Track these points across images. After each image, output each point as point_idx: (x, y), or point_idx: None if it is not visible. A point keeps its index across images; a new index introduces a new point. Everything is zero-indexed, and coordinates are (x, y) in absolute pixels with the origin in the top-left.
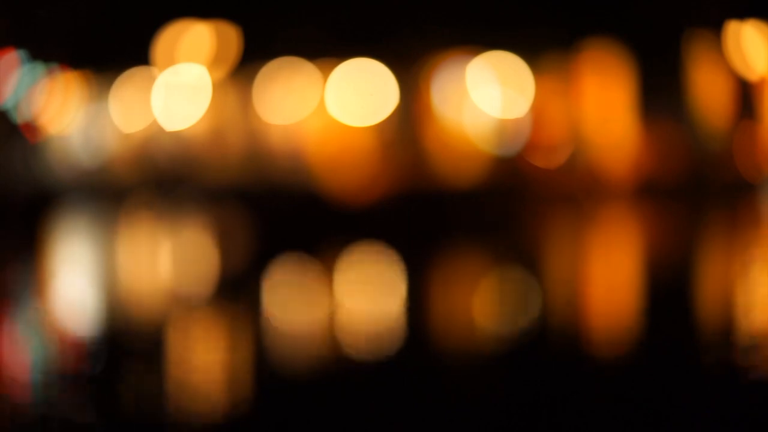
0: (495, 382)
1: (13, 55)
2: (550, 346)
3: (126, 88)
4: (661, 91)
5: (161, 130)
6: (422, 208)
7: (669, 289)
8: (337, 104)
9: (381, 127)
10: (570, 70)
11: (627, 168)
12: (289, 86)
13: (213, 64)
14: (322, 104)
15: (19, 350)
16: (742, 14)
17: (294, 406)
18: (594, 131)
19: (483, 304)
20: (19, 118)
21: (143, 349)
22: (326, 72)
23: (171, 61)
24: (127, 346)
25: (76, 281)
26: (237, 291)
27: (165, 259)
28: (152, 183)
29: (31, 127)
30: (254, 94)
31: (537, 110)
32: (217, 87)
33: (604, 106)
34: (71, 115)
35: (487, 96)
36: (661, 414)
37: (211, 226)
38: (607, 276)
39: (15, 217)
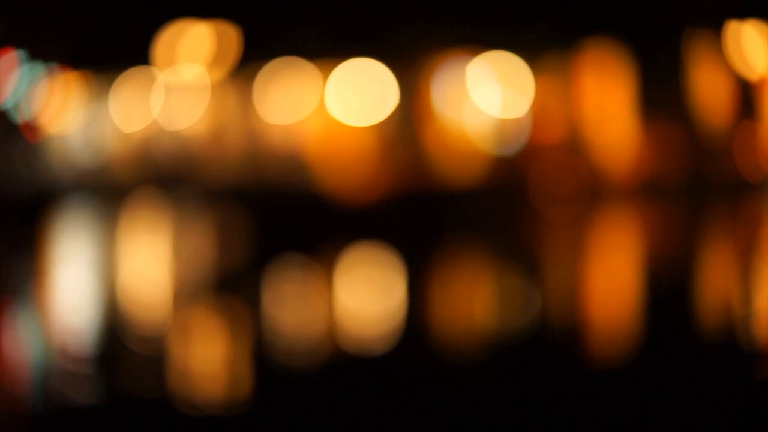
0: (495, 381)
1: (13, 55)
2: (550, 346)
3: (126, 88)
4: (661, 91)
5: (161, 130)
6: (422, 208)
7: (669, 288)
8: (337, 104)
9: (381, 127)
10: (570, 70)
11: (627, 168)
12: (289, 86)
13: (213, 64)
14: (322, 104)
15: (19, 349)
16: (742, 14)
17: (293, 405)
18: (594, 131)
19: (483, 304)
20: (19, 118)
21: (143, 348)
22: (326, 72)
23: (171, 61)
24: (127, 346)
25: (76, 281)
26: (237, 291)
27: (165, 258)
28: (152, 183)
29: (31, 127)
30: (254, 94)
31: (537, 110)
32: (217, 87)
33: (604, 106)
34: (71, 115)
35: (487, 96)
36: (662, 413)
37: (211, 226)
38: (608, 276)
39: (15, 217)
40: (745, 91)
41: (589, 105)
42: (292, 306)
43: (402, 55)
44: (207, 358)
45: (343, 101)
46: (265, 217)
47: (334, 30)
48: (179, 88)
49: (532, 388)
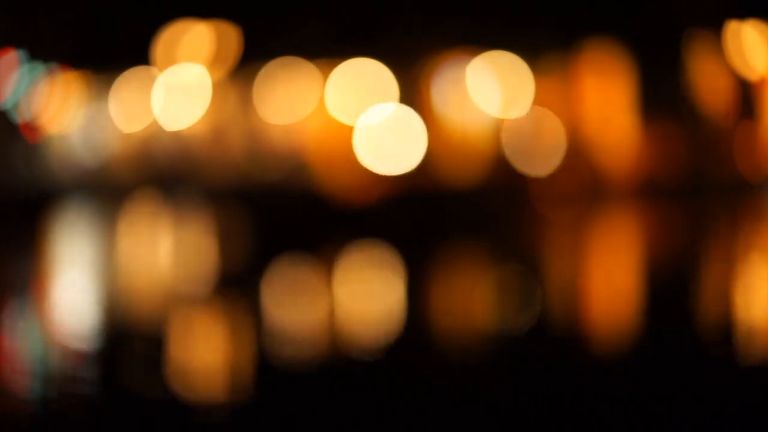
0: (494, 381)
1: (13, 55)
2: (551, 345)
3: (126, 88)
4: (661, 91)
5: (161, 130)
6: (422, 208)
7: (669, 288)
8: (337, 104)
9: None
10: (570, 70)
11: (627, 168)
12: (289, 86)
13: (213, 64)
14: (322, 104)
15: (19, 349)
16: (742, 14)
17: (293, 404)
18: (594, 131)
19: (483, 303)
20: (19, 118)
21: (143, 347)
22: (326, 72)
23: (171, 61)
24: (127, 345)
25: (77, 281)
26: (237, 290)
27: (165, 258)
28: (152, 183)
29: (31, 127)
30: (254, 94)
31: (537, 110)
32: (217, 87)
33: (604, 106)
34: (71, 115)
35: (487, 96)
36: (662, 412)
37: (211, 226)
38: (608, 276)
39: (15, 217)
40: (745, 91)
41: (589, 105)
42: (293, 305)
43: (402, 55)
44: (207, 358)
45: (343, 101)
46: (265, 217)
47: (334, 30)
48: (179, 88)
49: (533, 387)
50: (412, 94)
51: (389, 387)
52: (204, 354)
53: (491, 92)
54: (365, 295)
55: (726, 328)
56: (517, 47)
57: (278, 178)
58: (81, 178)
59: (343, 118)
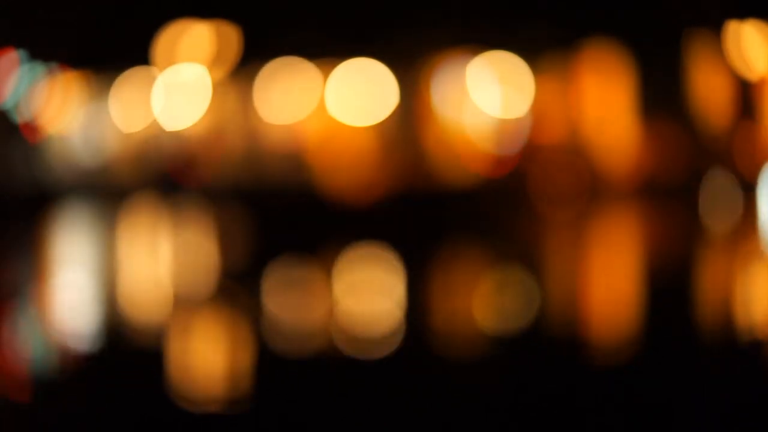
0: (494, 382)
1: (13, 55)
2: (551, 346)
3: (126, 88)
4: (661, 91)
5: (161, 130)
6: (422, 208)
7: (669, 289)
8: (337, 104)
9: (381, 127)
10: (570, 70)
11: (627, 168)
12: (289, 86)
13: (213, 64)
14: (322, 104)
15: (19, 349)
16: (742, 14)
17: (292, 405)
18: (594, 131)
19: (482, 304)
20: (19, 118)
21: (143, 348)
22: (326, 72)
23: (171, 61)
24: (126, 346)
25: (76, 281)
26: (237, 291)
27: (165, 259)
28: (152, 183)
29: (31, 127)
30: (254, 94)
31: (537, 110)
32: (217, 87)
33: (604, 106)
34: (71, 115)
35: (487, 96)
36: (661, 412)
37: (211, 226)
38: (608, 276)
39: (15, 217)
40: (745, 91)
41: (589, 105)
42: (292, 306)
43: (402, 55)
44: (207, 359)
45: (343, 101)
46: (265, 217)
47: (334, 30)
48: (179, 88)
49: (533, 388)
50: (412, 94)
51: (389, 387)
52: (203, 354)
53: (491, 92)
54: (365, 295)
55: (726, 328)
56: (517, 47)
57: (278, 179)
58: (81, 178)
59: (343, 118)
